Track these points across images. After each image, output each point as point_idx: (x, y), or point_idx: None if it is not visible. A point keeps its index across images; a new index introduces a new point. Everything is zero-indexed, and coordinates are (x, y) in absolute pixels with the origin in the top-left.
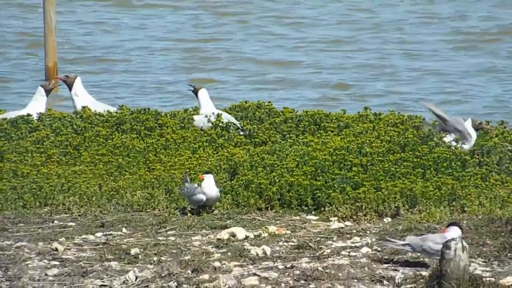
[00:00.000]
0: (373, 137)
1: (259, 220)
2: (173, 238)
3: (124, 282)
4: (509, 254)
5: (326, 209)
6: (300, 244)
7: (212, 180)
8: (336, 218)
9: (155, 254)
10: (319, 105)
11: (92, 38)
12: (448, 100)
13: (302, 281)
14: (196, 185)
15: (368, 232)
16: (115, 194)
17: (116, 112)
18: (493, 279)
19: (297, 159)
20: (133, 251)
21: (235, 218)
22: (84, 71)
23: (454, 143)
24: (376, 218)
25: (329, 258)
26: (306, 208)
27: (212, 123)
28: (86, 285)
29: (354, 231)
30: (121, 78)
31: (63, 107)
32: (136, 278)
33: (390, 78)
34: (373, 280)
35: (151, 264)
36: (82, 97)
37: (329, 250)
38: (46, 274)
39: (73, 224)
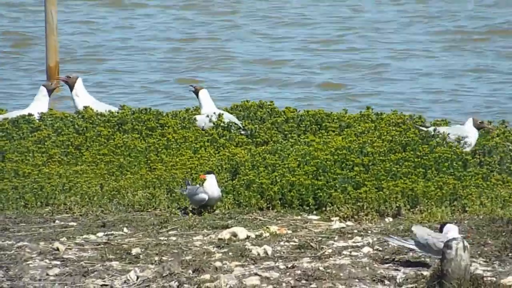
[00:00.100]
0: (374, 136)
1: (260, 220)
2: (174, 238)
3: (125, 282)
4: (510, 254)
5: (328, 209)
6: (302, 244)
7: (214, 180)
8: (337, 218)
9: (156, 254)
10: (306, 106)
11: (79, 38)
12: (436, 99)
13: (304, 281)
14: (198, 185)
15: (369, 232)
16: (117, 194)
17: (118, 112)
18: (494, 278)
19: (298, 159)
20: (134, 251)
21: (236, 218)
22: (70, 70)
23: (455, 143)
24: (377, 218)
25: (331, 258)
26: (308, 208)
27: (214, 123)
28: (87, 285)
29: (356, 231)
30: (106, 77)
31: (64, 107)
32: (137, 278)
33: (378, 77)
34: (374, 280)
35: (152, 264)
36: (83, 97)
37: (330, 250)
38: (47, 274)
39: (75, 224)
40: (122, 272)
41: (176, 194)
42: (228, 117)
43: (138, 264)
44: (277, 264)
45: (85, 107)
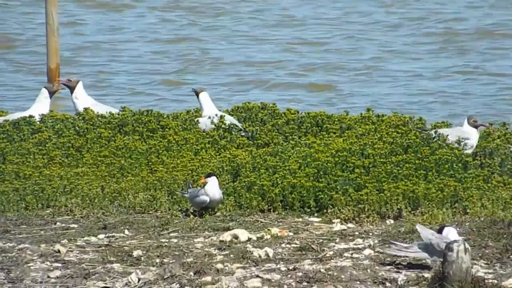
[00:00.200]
0: (375, 138)
1: (261, 222)
2: (175, 240)
3: (126, 284)
4: (511, 256)
5: (329, 211)
6: (303, 246)
7: (216, 182)
8: (338, 220)
9: (158, 256)
10: (292, 106)
11: (65, 40)
12: (424, 101)
13: (305, 283)
14: (199, 187)
15: (370, 234)
16: (118, 196)
17: (118, 114)
18: (495, 281)
19: (299, 161)
20: (136, 253)
21: (237, 220)
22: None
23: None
24: (378, 220)
25: (332, 260)
26: (309, 210)
27: (215, 125)
28: (88, 287)
29: (357, 233)
30: (93, 79)
31: (64, 107)
32: (139, 280)
33: (365, 79)
34: (375, 282)
35: (153, 266)
36: (82, 99)
37: (331, 252)
38: (48, 276)
39: (76, 226)
40: (123, 274)
41: (177, 196)
42: (228, 119)
43: (139, 266)
44: (278, 266)
45: (86, 109)
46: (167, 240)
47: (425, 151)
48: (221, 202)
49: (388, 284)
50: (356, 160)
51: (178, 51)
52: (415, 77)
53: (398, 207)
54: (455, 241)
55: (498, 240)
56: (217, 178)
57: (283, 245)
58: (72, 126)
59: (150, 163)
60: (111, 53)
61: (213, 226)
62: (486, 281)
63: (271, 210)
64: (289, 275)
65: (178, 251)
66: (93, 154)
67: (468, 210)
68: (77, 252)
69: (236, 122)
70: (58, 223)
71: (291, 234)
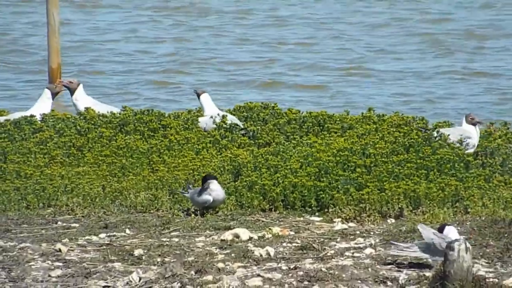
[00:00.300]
0: (376, 138)
1: (262, 221)
2: (176, 239)
3: (127, 283)
4: None
5: (330, 210)
6: (304, 245)
7: (217, 184)
8: (339, 219)
9: (159, 255)
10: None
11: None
12: (413, 100)
13: (306, 282)
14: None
15: (371, 233)
16: (119, 195)
17: (120, 113)
18: (496, 280)
19: (300, 160)
20: (137, 252)
21: (238, 219)
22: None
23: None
24: (379, 219)
25: (333, 259)
26: (310, 209)
27: (217, 125)
28: (89, 286)
29: (358, 232)
30: (80, 78)
31: (63, 107)
32: (140, 279)
33: (355, 79)
34: (376, 281)
35: (154, 265)
36: (82, 101)
37: (332, 251)
38: (49, 275)
39: (77, 225)
40: (125, 273)
41: (178, 195)
42: (230, 119)
43: (141, 266)
44: (279, 265)
45: (87, 108)
46: (168, 239)
47: (426, 150)
48: (223, 202)
49: (389, 283)
50: (358, 159)
51: (166, 51)
52: (402, 77)
53: (399, 206)
54: (456, 240)
55: (499, 239)
56: (217, 180)
57: (284, 244)
58: (73, 126)
59: (151, 163)
60: (98, 53)
61: (214, 225)
62: (487, 280)
63: (272, 210)
64: (290, 274)
65: (179, 250)
66: (94, 154)
67: (469, 210)
68: (78, 251)
69: (237, 121)
70: (59, 222)
71: (292, 233)
